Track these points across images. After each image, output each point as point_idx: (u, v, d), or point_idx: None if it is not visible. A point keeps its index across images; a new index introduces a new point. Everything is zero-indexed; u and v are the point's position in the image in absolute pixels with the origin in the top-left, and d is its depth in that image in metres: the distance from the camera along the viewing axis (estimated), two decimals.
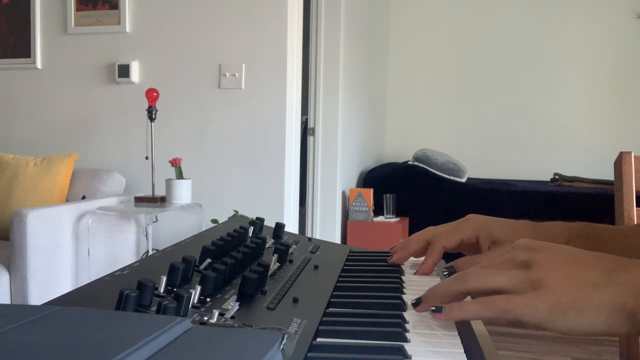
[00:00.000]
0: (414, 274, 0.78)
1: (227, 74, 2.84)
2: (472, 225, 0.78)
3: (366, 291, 0.67)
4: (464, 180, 4.34)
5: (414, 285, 0.72)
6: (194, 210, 2.70)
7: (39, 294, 2.24)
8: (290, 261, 0.75)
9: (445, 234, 0.78)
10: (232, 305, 0.53)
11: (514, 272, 0.53)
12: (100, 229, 2.56)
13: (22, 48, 3.13)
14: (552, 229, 0.79)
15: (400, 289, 0.68)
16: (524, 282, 0.52)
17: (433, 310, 0.55)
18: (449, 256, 0.83)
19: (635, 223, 1.05)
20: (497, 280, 0.54)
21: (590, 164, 4.75)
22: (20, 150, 3.01)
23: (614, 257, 0.53)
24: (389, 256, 0.85)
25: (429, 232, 0.81)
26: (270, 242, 0.84)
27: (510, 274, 0.53)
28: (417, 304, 0.58)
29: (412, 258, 0.82)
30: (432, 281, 0.74)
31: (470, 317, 0.54)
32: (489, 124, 5.11)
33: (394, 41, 5.29)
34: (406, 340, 0.51)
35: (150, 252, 2.51)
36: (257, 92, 2.83)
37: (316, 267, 0.75)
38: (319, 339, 0.50)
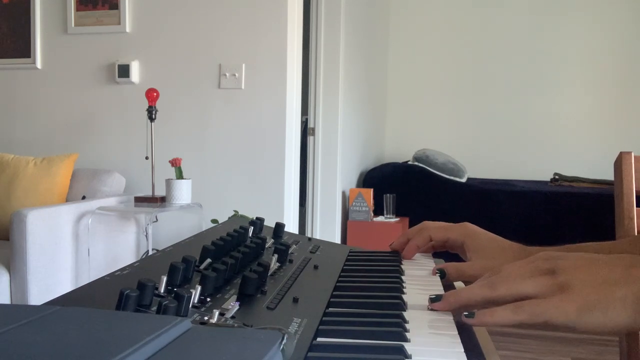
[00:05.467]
0: (402, 254, 0.86)
1: (227, 74, 2.84)
2: (462, 231, 0.84)
3: (366, 291, 0.67)
4: (464, 180, 4.34)
5: (414, 285, 0.72)
6: (194, 210, 2.71)
7: (39, 294, 2.24)
8: (290, 261, 0.75)
9: (436, 227, 0.86)
10: (232, 305, 0.53)
11: (540, 278, 0.56)
12: (100, 229, 2.56)
13: (22, 48, 3.13)
14: (539, 251, 0.82)
15: (400, 289, 0.68)
16: (551, 286, 0.55)
17: (466, 316, 0.57)
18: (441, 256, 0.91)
19: (627, 237, 1.05)
20: (524, 287, 0.56)
21: (590, 164, 4.75)
22: (20, 150, 3.02)
23: (631, 256, 0.56)
24: (389, 256, 0.86)
25: (427, 223, 0.88)
26: (270, 242, 0.84)
27: (537, 280, 0.56)
28: (436, 299, 0.60)
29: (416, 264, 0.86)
30: (432, 280, 0.75)
31: (501, 322, 0.55)
32: (489, 124, 5.11)
33: (394, 41, 5.29)
34: (406, 340, 0.51)
35: (150, 252, 2.51)
36: (257, 92, 2.83)
37: (316, 267, 0.75)
38: (319, 339, 0.50)
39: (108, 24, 2.99)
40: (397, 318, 0.56)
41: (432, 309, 0.60)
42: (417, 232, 0.86)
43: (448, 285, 0.74)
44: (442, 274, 0.78)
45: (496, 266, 0.77)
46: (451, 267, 0.78)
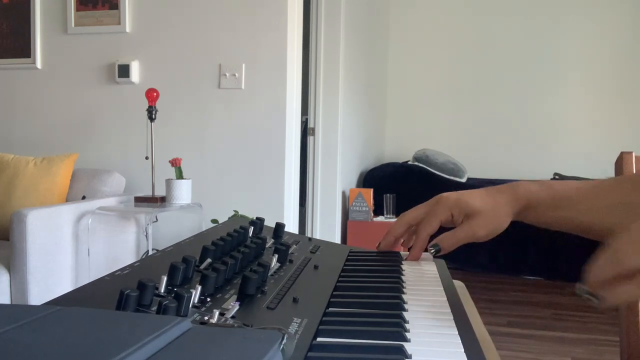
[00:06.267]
0: (405, 259, 0.85)
1: (227, 74, 2.84)
2: (446, 206, 0.83)
3: (366, 291, 0.67)
4: (464, 180, 4.34)
5: (414, 285, 0.72)
6: (194, 210, 2.70)
7: (39, 294, 2.24)
8: (291, 261, 0.75)
9: (427, 222, 0.84)
10: (233, 305, 0.53)
11: None
12: (100, 229, 2.56)
13: (22, 48, 3.13)
14: (517, 184, 0.90)
15: (400, 289, 0.68)
16: None
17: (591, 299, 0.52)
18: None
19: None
20: None
21: (590, 164, 4.75)
22: (20, 150, 3.01)
23: None
24: (389, 256, 0.85)
25: (408, 215, 0.87)
26: (270, 242, 0.84)
27: None
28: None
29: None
30: (432, 280, 0.74)
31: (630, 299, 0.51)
32: (489, 124, 5.11)
33: (394, 41, 5.29)
34: (406, 339, 0.51)
35: (150, 252, 2.51)
36: (257, 92, 2.83)
37: (316, 267, 0.75)
38: (319, 339, 0.50)
39: (108, 24, 2.99)
40: (397, 318, 0.56)
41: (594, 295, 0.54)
42: (416, 239, 0.85)
43: (447, 282, 0.74)
44: (437, 249, 0.80)
45: (482, 218, 0.79)
46: (443, 241, 0.79)
